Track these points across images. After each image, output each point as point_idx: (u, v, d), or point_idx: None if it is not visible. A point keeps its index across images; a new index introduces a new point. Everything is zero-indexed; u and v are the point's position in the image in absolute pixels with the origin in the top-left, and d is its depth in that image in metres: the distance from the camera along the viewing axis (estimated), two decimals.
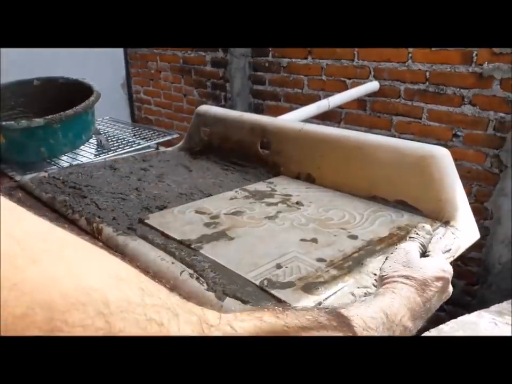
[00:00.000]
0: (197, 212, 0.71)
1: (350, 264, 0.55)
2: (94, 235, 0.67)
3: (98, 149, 1.17)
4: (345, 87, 1.86)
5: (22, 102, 1.19)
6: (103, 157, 1.12)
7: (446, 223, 0.67)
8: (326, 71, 1.92)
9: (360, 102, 1.83)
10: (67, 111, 0.99)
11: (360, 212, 0.71)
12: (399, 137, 1.72)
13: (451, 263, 0.61)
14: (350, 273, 0.52)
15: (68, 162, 1.10)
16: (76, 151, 1.18)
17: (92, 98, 1.05)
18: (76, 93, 1.12)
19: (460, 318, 0.68)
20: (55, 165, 1.09)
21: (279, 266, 0.54)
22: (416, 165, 0.70)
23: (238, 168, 0.96)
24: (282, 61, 2.07)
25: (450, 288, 0.49)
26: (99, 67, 2.80)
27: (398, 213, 0.70)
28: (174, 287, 0.52)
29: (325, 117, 1.96)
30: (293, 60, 2.02)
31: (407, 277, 0.45)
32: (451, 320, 0.66)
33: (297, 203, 0.74)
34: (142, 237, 0.63)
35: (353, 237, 0.62)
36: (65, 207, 0.74)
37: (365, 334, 0.37)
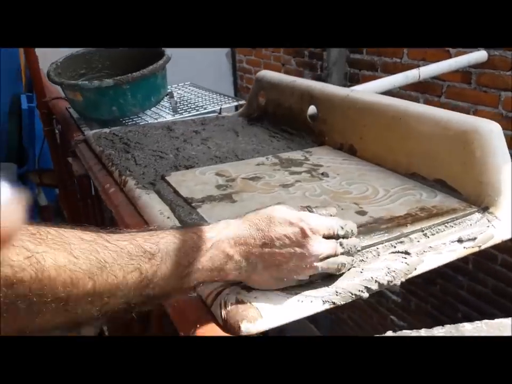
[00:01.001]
0: (217, 174, 0.71)
1: None
2: (120, 186, 0.72)
3: (170, 111, 1.23)
4: (448, 57, 1.65)
5: (108, 64, 1.30)
6: (173, 118, 1.18)
7: (485, 209, 0.57)
8: None
9: (464, 74, 1.62)
10: (135, 73, 1.06)
11: (388, 188, 0.64)
12: (507, 117, 1.49)
13: (477, 253, 0.53)
14: None
15: (146, 121, 1.18)
16: (156, 111, 1.26)
17: (160, 62, 1.10)
18: (153, 56, 1.18)
19: (497, 320, 0.59)
20: (134, 123, 1.18)
21: None
22: (458, 140, 0.60)
23: (285, 136, 0.93)
24: None
25: (313, 250, 0.40)
26: None
27: (431, 193, 0.62)
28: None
29: (424, 90, 1.79)
30: None
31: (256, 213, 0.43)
32: (482, 321, 0.58)
33: (322, 174, 0.70)
34: (156, 192, 0.66)
35: (362, 213, 0.57)
36: (108, 159, 0.81)
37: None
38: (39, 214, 2.25)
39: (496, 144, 0.57)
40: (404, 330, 0.46)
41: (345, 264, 0.43)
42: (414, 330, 0.47)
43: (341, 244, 0.43)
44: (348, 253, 0.44)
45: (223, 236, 0.40)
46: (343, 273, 0.44)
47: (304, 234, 0.40)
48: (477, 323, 0.56)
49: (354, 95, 0.78)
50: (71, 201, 1.54)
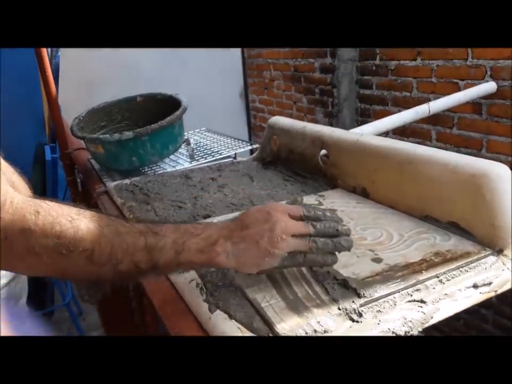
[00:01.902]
0: None
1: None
2: None
3: (187, 158, 1.28)
4: (457, 89, 1.68)
5: (127, 116, 1.36)
6: (190, 166, 1.22)
7: (499, 251, 0.57)
8: (436, 73, 1.76)
9: (475, 105, 1.64)
10: (153, 125, 1.11)
11: (402, 232, 0.65)
12: None
13: (492, 298, 0.53)
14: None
15: (165, 169, 1.23)
16: (174, 159, 1.30)
17: (177, 113, 1.15)
18: (170, 106, 1.24)
19: None
20: (153, 171, 1.23)
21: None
22: (468, 183, 0.61)
23: (299, 180, 0.96)
24: (389, 64, 1.96)
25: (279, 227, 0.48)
26: (220, 79, 3.02)
27: (444, 236, 0.63)
28: (181, 291, 0.56)
29: (435, 122, 1.80)
30: (401, 62, 1.90)
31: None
32: None
33: None
34: None
35: (377, 260, 0.58)
36: (129, 211, 0.84)
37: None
38: None
39: (505, 188, 0.58)
40: None
41: (316, 242, 0.49)
42: None
43: (312, 225, 0.49)
44: (324, 235, 0.49)
45: (212, 226, 0.51)
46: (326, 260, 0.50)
47: (269, 214, 0.49)
48: None
49: (364, 140, 0.80)
50: None
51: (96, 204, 1.03)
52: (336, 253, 0.51)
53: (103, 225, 0.45)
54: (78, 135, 1.17)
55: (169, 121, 1.13)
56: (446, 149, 1.75)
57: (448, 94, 1.62)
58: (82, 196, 1.45)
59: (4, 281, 0.60)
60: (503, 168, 0.59)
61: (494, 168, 0.59)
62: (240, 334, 0.46)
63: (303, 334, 0.45)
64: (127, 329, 1.27)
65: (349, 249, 0.50)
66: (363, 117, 2.19)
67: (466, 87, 1.64)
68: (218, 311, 0.50)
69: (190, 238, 0.48)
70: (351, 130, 1.19)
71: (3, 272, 0.60)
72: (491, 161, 0.61)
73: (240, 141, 1.34)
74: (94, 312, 2.31)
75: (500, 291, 0.53)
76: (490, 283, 0.52)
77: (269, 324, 0.47)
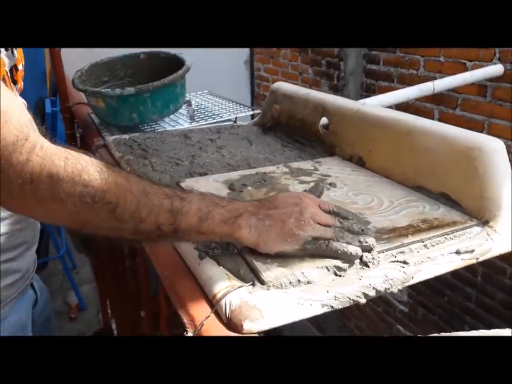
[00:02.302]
0: (226, 181, 0.75)
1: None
2: None
3: (187, 119, 1.28)
4: (464, 70, 1.66)
5: (130, 72, 1.35)
6: (190, 126, 1.22)
7: (485, 222, 0.59)
8: (444, 52, 1.74)
9: (480, 87, 1.63)
10: (155, 82, 1.10)
11: (393, 199, 0.67)
12: None
13: (474, 265, 0.55)
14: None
15: (164, 128, 1.23)
16: (174, 119, 1.30)
17: (179, 72, 1.14)
18: (173, 65, 1.23)
19: (493, 330, 0.60)
20: (153, 129, 1.23)
21: None
22: (462, 156, 0.62)
23: (297, 146, 0.96)
24: None
25: (309, 211, 0.50)
26: None
27: (434, 206, 0.64)
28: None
29: (439, 102, 1.80)
30: None
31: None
32: (478, 330, 0.59)
33: (330, 184, 0.73)
34: None
35: (366, 223, 0.59)
36: (126, 164, 0.85)
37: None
38: None
39: (498, 161, 0.59)
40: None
41: (342, 233, 0.51)
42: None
43: (339, 221, 0.52)
44: (349, 231, 0.52)
45: (238, 201, 0.52)
46: (350, 256, 0.50)
47: (300, 199, 0.52)
48: (473, 332, 0.58)
49: (365, 109, 0.80)
50: None
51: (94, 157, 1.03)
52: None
53: (131, 182, 0.45)
54: (80, 88, 1.17)
55: (171, 80, 1.13)
56: None
57: (455, 74, 1.61)
58: (81, 150, 1.46)
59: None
60: (498, 142, 0.60)
61: (489, 142, 0.60)
62: (227, 280, 0.47)
63: (287, 283, 0.47)
64: (119, 285, 1.31)
65: (370, 249, 0.51)
66: (368, 92, 2.17)
67: (473, 68, 1.63)
68: (207, 258, 0.51)
69: (215, 208, 0.48)
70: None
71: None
72: (487, 135, 0.62)
73: (241, 106, 1.34)
74: (87, 266, 2.36)
75: (481, 259, 0.55)
76: (472, 250, 0.54)
77: (255, 271, 0.48)
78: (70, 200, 0.41)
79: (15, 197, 0.40)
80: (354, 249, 0.49)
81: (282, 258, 0.50)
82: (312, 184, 0.73)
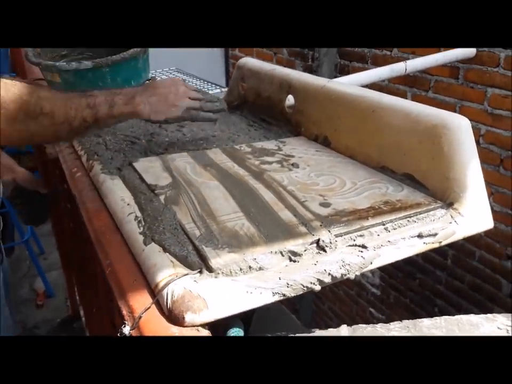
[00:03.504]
0: (186, 162, 0.70)
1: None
2: (87, 171, 0.71)
3: None
4: (437, 52, 1.64)
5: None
6: None
7: (449, 204, 0.56)
8: None
9: (452, 69, 1.61)
10: (114, 56, 1.04)
11: (355, 180, 0.64)
12: (492, 113, 1.49)
13: (438, 249, 0.53)
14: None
15: None
16: None
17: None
18: None
19: (457, 316, 0.59)
20: None
21: (220, 222, 0.51)
22: (427, 134, 0.59)
23: (263, 125, 0.92)
24: None
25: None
26: None
27: (398, 187, 0.62)
28: (119, 225, 0.53)
29: (412, 84, 1.78)
30: None
31: None
32: (442, 317, 0.57)
33: (292, 164, 0.69)
34: (121, 177, 0.65)
35: (326, 205, 0.56)
36: (78, 143, 0.79)
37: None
38: None
39: (464, 140, 0.57)
40: (361, 324, 0.46)
41: (206, 104, 0.72)
42: (371, 325, 0.46)
43: (203, 94, 0.73)
44: (209, 101, 0.73)
45: (129, 88, 0.69)
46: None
47: (174, 81, 0.70)
48: (436, 319, 0.56)
49: (330, 86, 0.77)
50: (49, 184, 1.52)
51: None
52: None
53: (56, 91, 0.59)
54: (33, 61, 1.08)
55: (132, 54, 1.06)
56: None
57: (428, 55, 1.59)
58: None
59: None
60: (464, 120, 0.58)
61: (454, 120, 0.57)
62: (172, 268, 0.44)
63: (238, 270, 0.43)
64: (83, 270, 1.25)
65: (223, 110, 0.77)
66: (342, 74, 2.13)
67: (446, 49, 1.61)
68: (152, 244, 0.47)
69: (116, 96, 0.63)
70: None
71: None
72: (453, 113, 0.59)
73: (209, 83, 1.29)
74: (56, 252, 2.28)
75: (444, 243, 0.53)
76: (435, 234, 0.52)
77: (203, 258, 0.45)
78: (17, 120, 0.53)
79: None
80: (213, 116, 0.74)
81: (235, 241, 0.47)
82: (274, 164, 0.70)
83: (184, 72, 1.45)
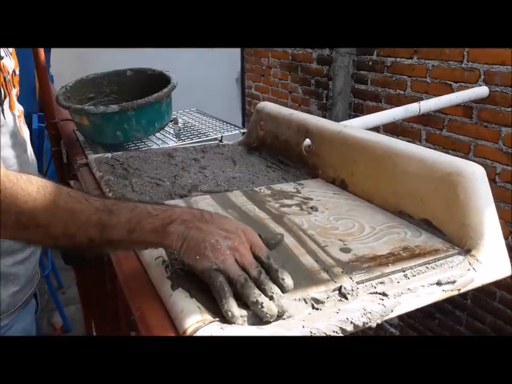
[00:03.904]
0: (209, 204, 0.73)
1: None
2: None
3: (173, 137, 1.26)
4: (450, 91, 1.68)
5: (116, 89, 1.34)
6: (175, 145, 1.21)
7: (467, 251, 0.58)
8: (431, 73, 1.76)
9: (466, 109, 1.64)
10: (139, 100, 1.09)
11: (374, 225, 0.65)
12: (507, 152, 1.50)
13: (456, 296, 0.54)
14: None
15: (149, 146, 1.21)
16: (160, 137, 1.29)
17: (165, 90, 1.13)
18: (159, 83, 1.22)
19: None
20: (137, 148, 1.21)
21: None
22: (443, 181, 0.61)
23: (281, 167, 0.95)
24: (386, 60, 1.95)
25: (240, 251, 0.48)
26: (218, 62, 2.99)
27: (415, 232, 0.63)
28: (146, 268, 0.55)
29: (426, 122, 1.81)
30: (398, 59, 1.89)
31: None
32: None
33: (311, 207, 0.71)
34: None
35: (346, 250, 0.58)
36: (106, 185, 0.83)
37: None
38: None
39: (479, 187, 0.58)
40: None
41: (244, 286, 0.45)
42: None
43: (257, 271, 0.46)
44: (257, 286, 0.45)
45: (175, 207, 0.51)
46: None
47: (236, 229, 0.50)
48: None
49: (346, 131, 0.80)
50: None
51: (76, 175, 1.01)
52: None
53: (59, 203, 0.48)
54: (63, 104, 1.15)
55: (156, 98, 1.12)
56: (435, 150, 1.76)
57: (441, 95, 1.63)
58: (66, 167, 1.44)
59: None
60: (478, 168, 0.60)
61: (469, 168, 0.59)
62: (199, 314, 0.45)
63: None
64: (102, 306, 1.27)
65: (264, 317, 0.44)
66: (356, 112, 2.18)
67: (459, 89, 1.65)
68: (180, 289, 0.49)
69: (146, 218, 0.49)
70: (340, 122, 1.19)
71: None
72: (467, 160, 0.61)
73: (228, 124, 1.33)
74: (74, 286, 2.31)
75: (463, 290, 0.53)
76: (454, 281, 0.53)
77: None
78: (8, 226, 0.46)
79: None
80: (229, 308, 0.44)
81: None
82: (293, 207, 0.72)
83: (204, 113, 1.50)
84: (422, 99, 1.80)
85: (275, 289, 0.45)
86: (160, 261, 0.55)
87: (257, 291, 0.44)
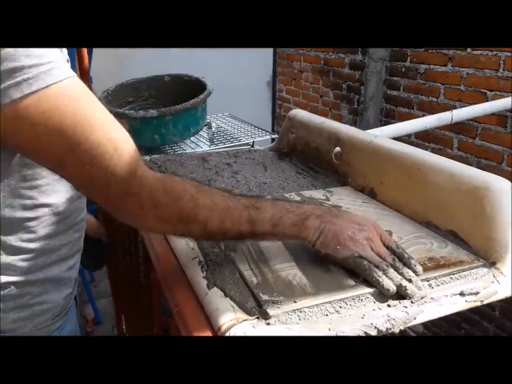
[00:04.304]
0: None
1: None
2: None
3: (207, 141, 1.31)
4: (485, 100, 1.66)
5: (154, 94, 1.40)
6: (209, 149, 1.26)
7: (492, 264, 0.59)
8: (465, 81, 1.74)
9: (500, 117, 1.62)
10: (177, 106, 1.15)
11: (401, 235, 0.67)
12: None
13: (484, 307, 0.56)
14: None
15: (184, 150, 1.27)
16: (194, 141, 1.34)
17: (201, 96, 1.18)
18: (196, 89, 1.28)
19: None
20: (173, 151, 1.27)
21: (274, 271, 0.57)
22: (470, 195, 0.63)
23: (311, 174, 0.98)
24: (419, 67, 1.95)
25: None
26: (250, 66, 3.03)
27: (442, 243, 0.65)
28: (184, 268, 0.60)
29: (459, 130, 1.79)
30: (431, 66, 1.88)
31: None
32: None
33: None
34: None
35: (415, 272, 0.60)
36: None
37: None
38: None
39: (506, 202, 0.60)
40: None
41: (387, 267, 0.53)
42: None
43: (392, 258, 0.55)
44: (395, 269, 0.53)
45: (307, 206, 0.60)
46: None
47: (365, 222, 0.58)
48: None
49: (377, 141, 0.82)
50: (109, 217, 1.63)
51: None
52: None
53: (216, 201, 0.54)
54: None
55: (193, 104, 1.17)
56: (467, 159, 1.74)
57: (476, 103, 1.61)
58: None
59: None
60: (506, 183, 0.61)
61: (496, 183, 0.61)
62: (233, 313, 0.49)
63: (291, 319, 0.48)
64: (134, 301, 1.33)
65: (410, 297, 0.51)
66: (387, 118, 2.18)
67: (494, 98, 1.63)
68: (215, 288, 0.53)
69: (286, 214, 0.56)
70: (371, 130, 1.20)
71: None
72: (495, 175, 0.63)
73: (260, 130, 1.37)
74: (106, 280, 2.40)
75: (486, 301, 0.55)
76: (477, 293, 0.54)
77: (260, 305, 0.50)
78: (170, 222, 0.52)
79: (128, 218, 0.53)
80: (388, 284, 0.51)
81: (289, 291, 0.52)
82: None
83: (236, 117, 1.55)
84: (455, 107, 1.79)
85: (410, 273, 0.53)
86: (196, 261, 0.59)
87: (398, 275, 0.52)
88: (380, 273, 0.52)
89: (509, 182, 0.61)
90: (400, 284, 0.51)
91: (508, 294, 0.57)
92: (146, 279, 1.04)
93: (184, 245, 0.64)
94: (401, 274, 0.53)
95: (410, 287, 0.51)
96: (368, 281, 0.52)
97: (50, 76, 0.45)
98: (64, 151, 0.46)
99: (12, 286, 0.58)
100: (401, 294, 0.51)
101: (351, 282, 0.54)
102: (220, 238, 0.58)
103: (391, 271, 0.53)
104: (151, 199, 0.50)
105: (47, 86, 0.45)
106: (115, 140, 0.48)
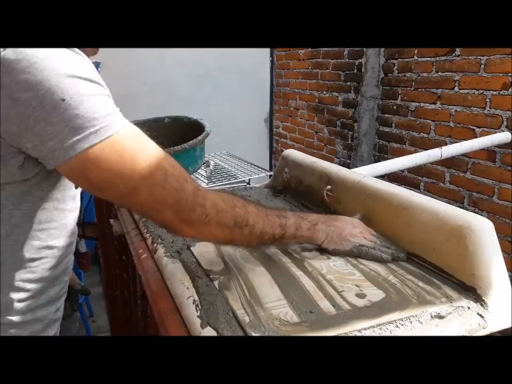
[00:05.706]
0: (237, 247, 0.79)
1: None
2: (151, 253, 0.81)
3: (205, 179, 1.35)
4: (473, 136, 1.72)
5: (155, 135, 1.44)
6: (207, 187, 1.30)
7: (477, 299, 0.62)
8: (454, 118, 1.81)
9: (489, 153, 1.67)
10: (176, 147, 1.19)
11: (389, 271, 0.70)
12: None
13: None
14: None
15: None
16: (194, 178, 1.38)
17: (199, 137, 1.23)
18: (195, 130, 1.32)
19: None
20: None
21: (266, 309, 0.59)
22: (453, 233, 0.66)
23: (304, 211, 1.01)
24: (410, 105, 2.02)
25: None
26: (248, 104, 3.13)
27: (428, 279, 0.67)
28: (179, 307, 0.62)
29: (450, 165, 1.84)
30: (421, 104, 1.96)
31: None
32: None
33: (330, 252, 0.77)
34: (181, 261, 0.74)
35: (361, 296, 0.63)
36: (144, 226, 0.91)
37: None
38: (77, 259, 2.40)
39: (487, 241, 0.63)
40: None
41: (380, 248, 0.75)
42: None
43: (378, 240, 0.77)
44: (384, 247, 0.76)
45: (314, 214, 0.77)
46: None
47: (356, 223, 0.79)
48: None
49: (365, 182, 0.86)
50: (108, 253, 1.65)
51: (116, 215, 1.10)
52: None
53: (258, 208, 0.68)
54: None
55: (191, 145, 1.21)
56: (459, 192, 1.78)
57: (465, 139, 1.67)
58: (106, 207, 1.54)
59: None
60: (487, 222, 0.64)
61: (478, 222, 0.64)
62: None
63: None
64: (132, 334, 1.33)
65: (400, 257, 0.74)
66: (380, 153, 2.24)
67: (482, 134, 1.68)
68: (208, 327, 0.55)
69: (303, 221, 0.73)
70: (362, 168, 1.25)
71: None
72: (477, 215, 0.66)
73: (256, 167, 1.41)
74: (104, 315, 2.38)
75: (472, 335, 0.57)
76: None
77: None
78: (227, 226, 0.63)
79: (194, 227, 0.61)
80: (386, 256, 0.73)
81: (281, 330, 0.54)
82: (313, 252, 0.78)
83: (234, 155, 1.60)
84: (445, 142, 1.85)
85: (392, 247, 0.76)
86: (191, 301, 0.62)
87: (388, 249, 0.75)
88: (377, 251, 0.73)
89: (489, 222, 0.64)
90: (393, 253, 0.74)
91: (492, 330, 0.59)
92: (143, 314, 1.05)
93: (179, 284, 0.67)
94: (388, 248, 0.75)
95: (397, 253, 0.74)
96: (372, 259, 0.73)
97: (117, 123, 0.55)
98: (139, 182, 0.56)
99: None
100: (393, 258, 0.74)
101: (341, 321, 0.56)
102: (257, 241, 0.68)
103: (383, 249, 0.74)
104: (214, 207, 0.61)
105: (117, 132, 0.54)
106: (176, 162, 0.62)
